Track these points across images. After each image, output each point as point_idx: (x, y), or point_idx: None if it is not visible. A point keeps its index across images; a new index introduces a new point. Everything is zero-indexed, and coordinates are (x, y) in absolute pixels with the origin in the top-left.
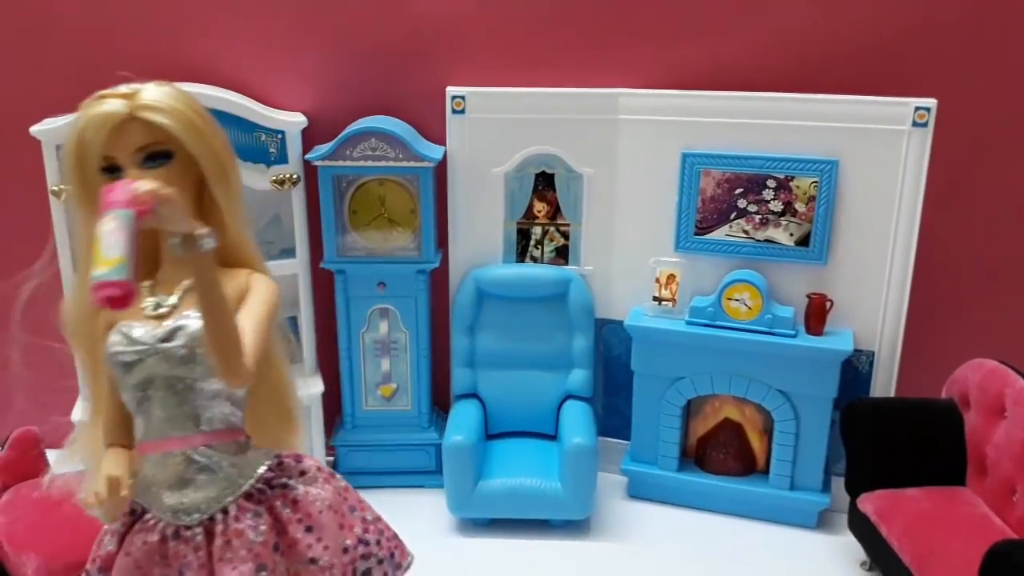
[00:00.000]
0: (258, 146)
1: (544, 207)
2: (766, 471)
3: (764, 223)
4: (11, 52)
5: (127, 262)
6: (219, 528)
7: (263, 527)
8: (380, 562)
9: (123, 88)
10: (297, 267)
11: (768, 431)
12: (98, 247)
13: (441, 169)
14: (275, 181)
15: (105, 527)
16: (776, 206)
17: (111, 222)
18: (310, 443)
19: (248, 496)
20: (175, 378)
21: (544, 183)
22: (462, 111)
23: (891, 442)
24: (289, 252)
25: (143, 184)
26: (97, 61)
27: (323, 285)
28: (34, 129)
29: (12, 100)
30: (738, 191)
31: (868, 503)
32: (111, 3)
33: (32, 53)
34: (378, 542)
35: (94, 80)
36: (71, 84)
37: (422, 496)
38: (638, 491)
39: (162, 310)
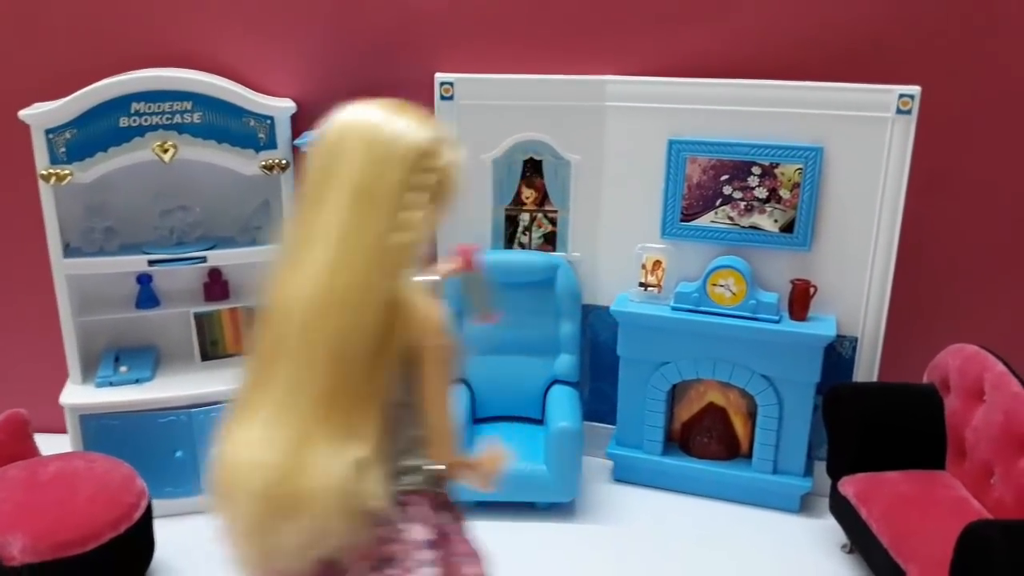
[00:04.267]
0: (247, 132)
1: (532, 194)
2: (749, 455)
3: (749, 209)
4: (1, 36)
5: None
6: None
7: None
8: None
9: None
10: None
11: (752, 415)
12: (485, 289)
13: None
14: (264, 167)
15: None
16: (761, 193)
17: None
18: None
19: None
20: None
21: (532, 170)
22: (450, 97)
23: (872, 426)
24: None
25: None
26: (87, 46)
27: None
28: (23, 113)
29: (1, 84)
30: (724, 178)
31: (849, 486)
32: None
33: (21, 37)
34: None
35: (84, 65)
36: (61, 69)
37: None
38: (623, 475)
39: None
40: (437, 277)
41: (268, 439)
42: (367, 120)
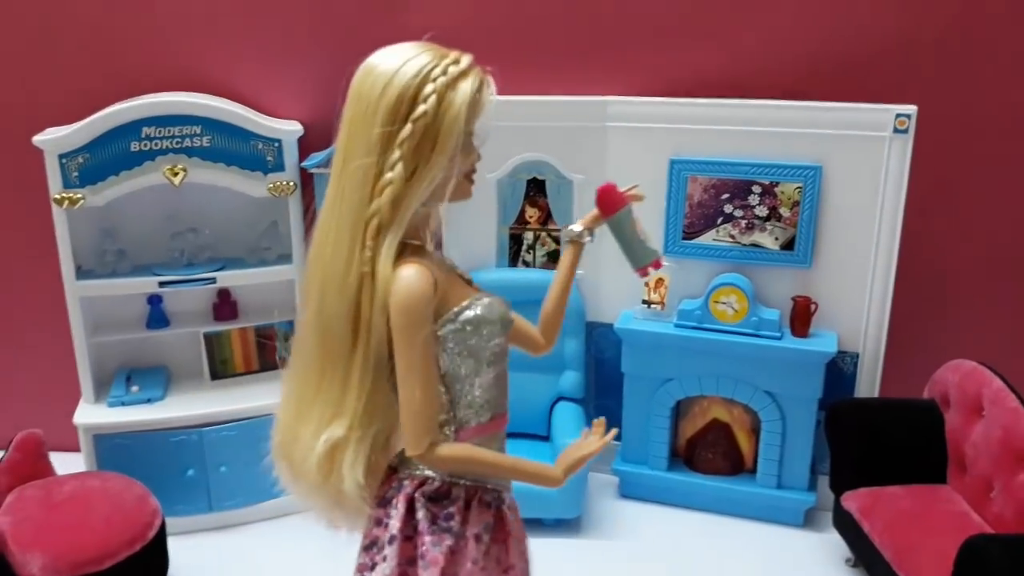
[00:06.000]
0: (255, 154)
1: (536, 212)
2: (754, 471)
3: (750, 228)
4: (14, 61)
5: None
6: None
7: None
8: None
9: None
10: (294, 273)
11: (756, 431)
12: (638, 233)
13: None
14: (272, 189)
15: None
16: (761, 211)
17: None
18: None
19: None
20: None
21: (535, 189)
22: None
23: (874, 441)
24: (286, 258)
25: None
26: (98, 72)
27: None
28: (37, 139)
29: (15, 109)
30: (724, 196)
31: (851, 501)
32: (112, 15)
33: (34, 63)
34: None
35: (95, 90)
36: (73, 94)
37: None
38: (629, 490)
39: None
40: (580, 228)
41: (285, 404)
42: (364, 67)
